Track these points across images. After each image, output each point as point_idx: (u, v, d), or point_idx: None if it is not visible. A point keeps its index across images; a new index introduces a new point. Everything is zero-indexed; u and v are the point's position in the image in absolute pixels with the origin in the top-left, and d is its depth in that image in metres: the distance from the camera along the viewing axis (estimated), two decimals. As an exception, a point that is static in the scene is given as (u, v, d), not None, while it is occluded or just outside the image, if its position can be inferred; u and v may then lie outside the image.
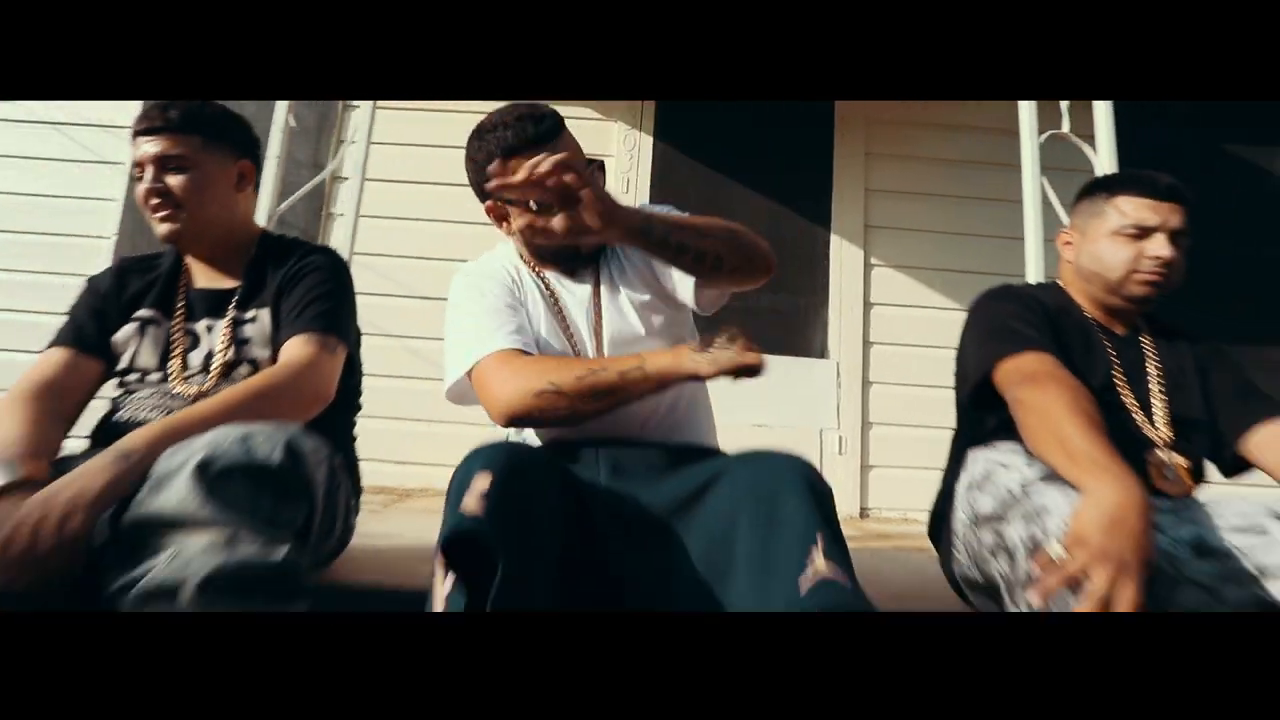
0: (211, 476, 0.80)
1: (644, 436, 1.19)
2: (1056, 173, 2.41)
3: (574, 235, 0.97)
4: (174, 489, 0.80)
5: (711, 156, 3.35)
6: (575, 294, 1.24)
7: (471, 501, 0.78)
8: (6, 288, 3.18)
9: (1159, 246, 1.23)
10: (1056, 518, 0.98)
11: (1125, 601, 0.85)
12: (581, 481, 1.04)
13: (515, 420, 1.04)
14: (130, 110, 3.25)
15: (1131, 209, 1.26)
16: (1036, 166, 2.18)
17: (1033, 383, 1.13)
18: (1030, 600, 0.93)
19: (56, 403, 1.14)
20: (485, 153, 1.13)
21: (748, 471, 0.94)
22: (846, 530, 0.93)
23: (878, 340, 3.24)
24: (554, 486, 0.92)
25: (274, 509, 0.84)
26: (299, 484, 0.88)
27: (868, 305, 3.28)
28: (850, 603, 0.78)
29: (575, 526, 0.95)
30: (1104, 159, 2.16)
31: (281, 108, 2.36)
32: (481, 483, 0.80)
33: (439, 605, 0.77)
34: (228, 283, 1.26)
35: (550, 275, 1.25)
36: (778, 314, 3.27)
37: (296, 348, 1.15)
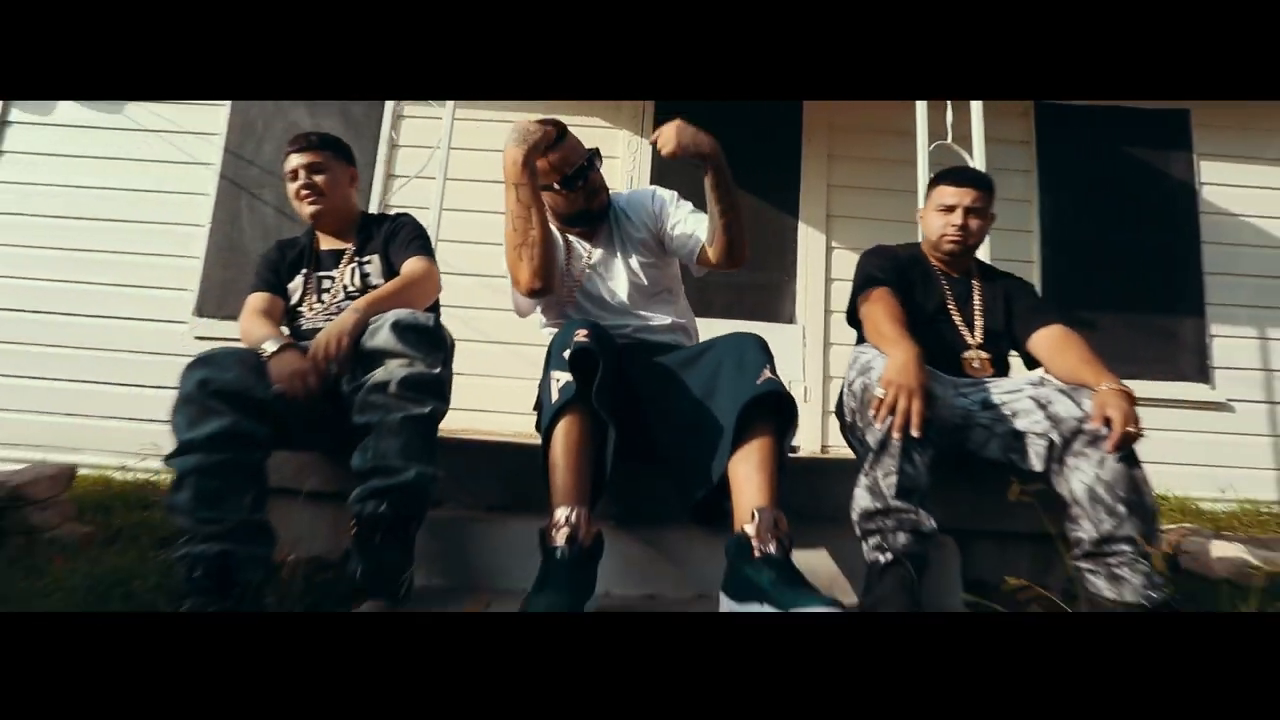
0: (400, 329, 1.46)
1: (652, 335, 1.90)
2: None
3: (689, 150, 1.64)
4: (381, 335, 1.47)
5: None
6: (590, 252, 1.92)
7: (580, 335, 1.43)
8: (125, 267, 3.87)
9: (956, 218, 1.88)
10: (876, 371, 1.61)
11: (915, 411, 1.47)
12: (621, 348, 1.71)
13: (528, 291, 1.74)
14: (218, 121, 3.95)
15: (942, 193, 1.91)
16: (925, 167, 2.85)
17: (870, 303, 1.78)
18: (869, 417, 1.55)
19: (270, 318, 1.79)
20: (555, 169, 1.83)
21: (727, 339, 1.58)
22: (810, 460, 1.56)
23: (837, 309, 3.89)
24: (610, 344, 1.57)
25: (430, 349, 1.49)
26: (441, 339, 1.54)
27: (829, 281, 3.94)
28: (782, 389, 1.44)
29: (620, 366, 1.62)
30: (978, 161, 2.81)
31: (385, 124, 3.00)
32: (582, 332, 1.47)
33: (555, 396, 1.44)
34: (344, 245, 1.91)
35: (571, 238, 1.93)
36: (757, 287, 3.93)
37: (414, 264, 1.81)
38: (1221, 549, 2.37)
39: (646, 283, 1.89)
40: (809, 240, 3.92)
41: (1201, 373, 3.86)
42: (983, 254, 3.31)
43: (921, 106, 2.89)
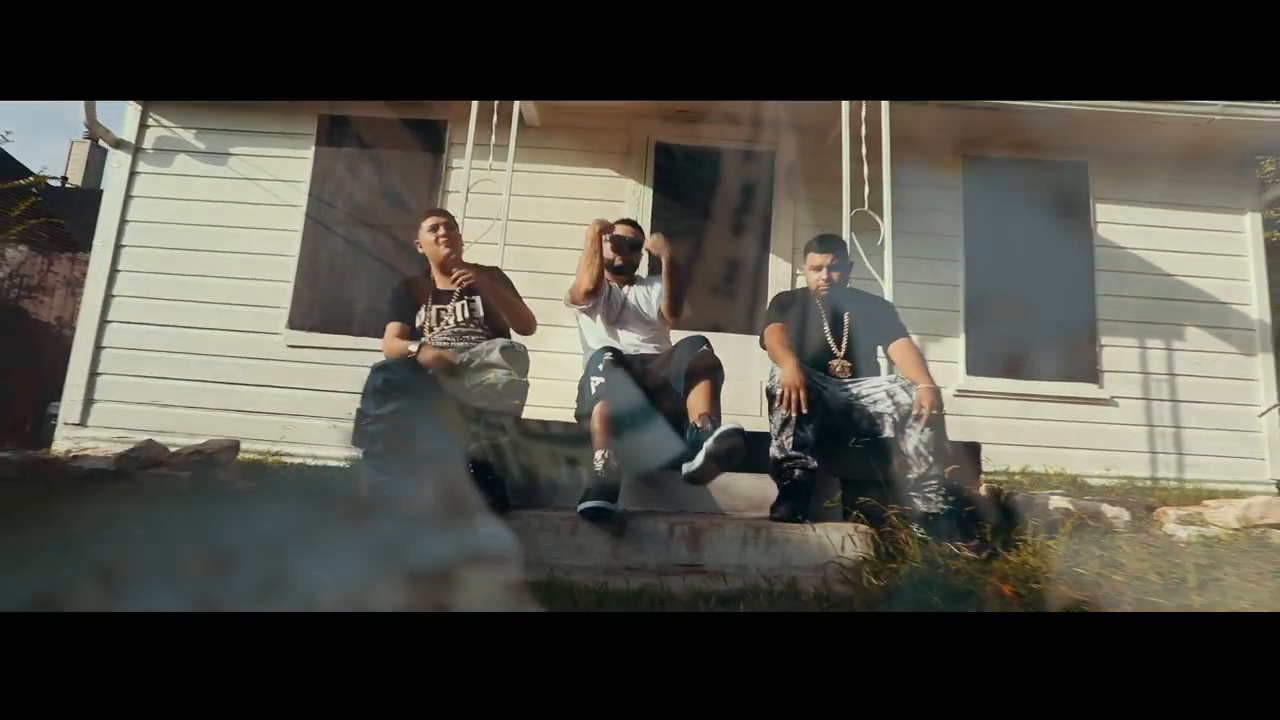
0: (505, 350, 2.42)
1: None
2: (866, 232, 3.96)
3: (666, 253, 2.88)
4: (494, 354, 2.41)
5: (690, 200, 4.94)
6: (619, 289, 2.94)
7: (608, 357, 2.49)
8: (231, 289, 4.85)
9: (821, 274, 2.87)
10: (777, 378, 2.57)
11: (801, 399, 2.42)
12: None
13: (584, 293, 2.93)
14: (304, 170, 4.89)
15: (810, 258, 2.91)
16: (849, 226, 3.76)
17: (769, 335, 2.76)
18: (775, 405, 2.50)
19: (403, 338, 2.73)
20: (614, 242, 2.94)
21: (681, 340, 2.64)
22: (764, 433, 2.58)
23: (801, 324, 4.79)
24: (625, 360, 2.58)
25: (522, 365, 2.44)
26: (527, 358, 2.49)
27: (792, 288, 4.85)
28: (712, 357, 2.65)
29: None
30: (886, 227, 3.73)
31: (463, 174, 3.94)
32: (609, 355, 2.55)
33: (594, 390, 2.52)
34: (453, 286, 2.84)
35: (613, 286, 2.98)
36: (734, 305, 4.86)
37: (524, 307, 2.77)
38: (1056, 501, 3.27)
39: (646, 313, 2.95)
40: (777, 268, 4.88)
41: (1092, 375, 4.81)
42: (918, 280, 4.25)
43: (846, 175, 3.81)
